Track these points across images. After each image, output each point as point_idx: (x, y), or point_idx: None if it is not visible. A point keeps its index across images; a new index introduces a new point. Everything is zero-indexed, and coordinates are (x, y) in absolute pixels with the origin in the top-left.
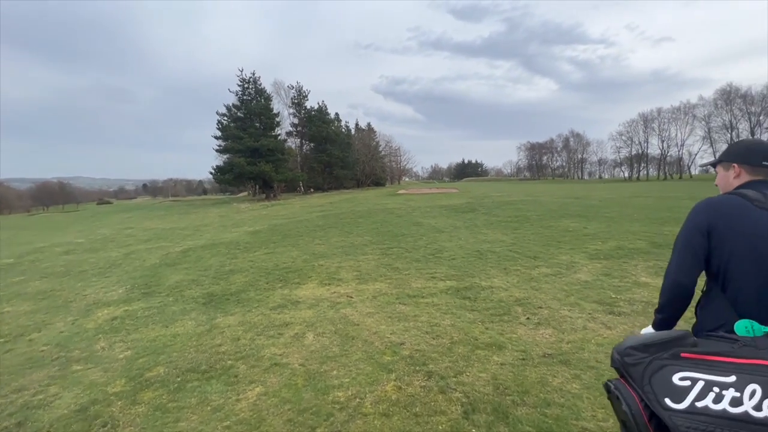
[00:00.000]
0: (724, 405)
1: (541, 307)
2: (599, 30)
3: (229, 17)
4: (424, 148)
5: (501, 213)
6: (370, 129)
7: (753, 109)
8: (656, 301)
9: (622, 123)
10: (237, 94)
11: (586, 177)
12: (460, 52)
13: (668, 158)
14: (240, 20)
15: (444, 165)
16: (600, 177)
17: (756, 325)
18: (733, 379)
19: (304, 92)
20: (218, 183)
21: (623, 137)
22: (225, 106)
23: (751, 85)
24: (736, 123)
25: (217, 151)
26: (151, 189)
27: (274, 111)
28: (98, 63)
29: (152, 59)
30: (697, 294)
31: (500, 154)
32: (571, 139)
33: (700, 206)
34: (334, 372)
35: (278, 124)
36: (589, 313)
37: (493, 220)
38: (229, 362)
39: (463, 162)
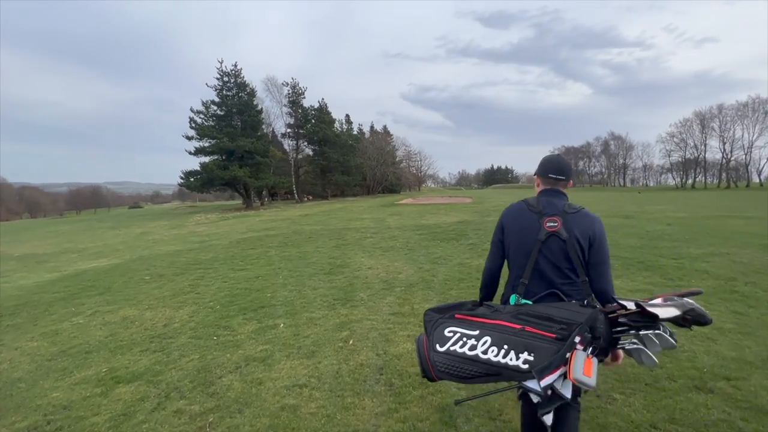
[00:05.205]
0: (464, 349)
1: None
2: (635, 32)
3: (267, 32)
4: (453, 154)
5: None
6: (385, 132)
7: None
8: None
9: (673, 124)
10: (216, 89)
11: (628, 184)
12: (489, 58)
13: (732, 162)
14: (278, 35)
15: (472, 171)
16: (645, 184)
17: (521, 300)
18: (476, 332)
19: (300, 89)
20: (187, 189)
21: (675, 139)
22: (202, 102)
23: None
24: None
25: (191, 153)
26: (182, 194)
27: (259, 107)
28: (149, 76)
29: (194, 72)
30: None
31: (533, 159)
32: (612, 142)
33: (504, 211)
34: None
35: (263, 122)
36: None
37: (475, 265)
38: None
39: (492, 168)
